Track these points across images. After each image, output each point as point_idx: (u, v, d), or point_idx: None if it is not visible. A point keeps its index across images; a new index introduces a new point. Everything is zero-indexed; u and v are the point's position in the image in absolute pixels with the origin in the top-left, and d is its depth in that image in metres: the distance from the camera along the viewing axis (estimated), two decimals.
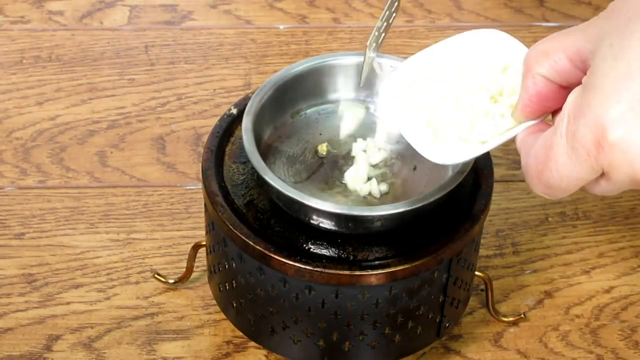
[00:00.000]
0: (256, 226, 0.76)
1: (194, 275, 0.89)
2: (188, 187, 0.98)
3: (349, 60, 0.82)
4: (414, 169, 0.79)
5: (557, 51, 0.66)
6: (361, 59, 0.82)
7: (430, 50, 0.75)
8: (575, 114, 0.63)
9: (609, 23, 0.64)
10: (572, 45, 0.65)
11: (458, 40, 0.74)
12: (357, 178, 0.78)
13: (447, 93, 0.73)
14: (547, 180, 0.66)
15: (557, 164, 0.65)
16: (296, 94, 0.82)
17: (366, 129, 0.82)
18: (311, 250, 0.75)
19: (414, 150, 0.80)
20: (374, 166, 0.79)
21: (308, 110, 0.83)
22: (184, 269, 0.88)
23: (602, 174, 0.64)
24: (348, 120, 0.81)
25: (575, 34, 0.66)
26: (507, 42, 0.74)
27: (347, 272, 0.73)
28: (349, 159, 0.80)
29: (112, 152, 1.01)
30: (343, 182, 0.78)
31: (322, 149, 0.80)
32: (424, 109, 0.73)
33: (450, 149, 0.71)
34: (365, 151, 0.80)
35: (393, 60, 0.81)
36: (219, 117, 0.83)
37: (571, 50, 0.66)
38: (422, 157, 0.79)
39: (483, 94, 0.72)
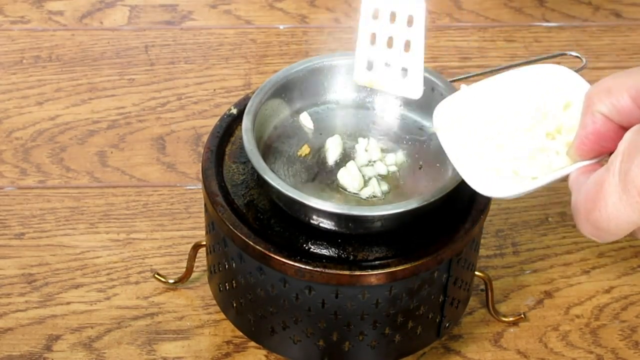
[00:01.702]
0: (256, 226, 0.76)
1: (194, 275, 0.89)
2: (188, 187, 0.98)
3: (349, 60, 0.82)
4: (420, 168, 0.79)
5: (620, 90, 0.63)
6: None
7: (493, 79, 0.74)
8: (630, 151, 0.61)
9: None
10: (637, 84, 0.63)
11: (522, 73, 0.73)
12: (349, 178, 0.78)
13: (504, 125, 0.72)
14: (596, 221, 0.63)
15: (607, 204, 0.62)
16: (296, 94, 0.82)
17: (366, 129, 0.82)
18: (311, 250, 0.75)
19: (417, 150, 0.80)
20: (375, 166, 0.79)
21: (308, 110, 0.83)
22: (184, 269, 0.88)
23: None
24: (332, 149, 0.80)
25: (637, 75, 0.63)
26: (573, 79, 0.72)
27: (347, 272, 0.73)
28: (349, 159, 0.80)
29: (112, 152, 1.01)
30: (338, 182, 0.78)
31: (304, 151, 0.80)
32: (478, 138, 0.72)
33: (501, 182, 0.70)
34: (367, 150, 0.80)
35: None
36: (219, 117, 0.83)
37: (635, 89, 0.63)
38: (425, 156, 0.80)
39: (540, 130, 0.71)
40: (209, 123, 1.02)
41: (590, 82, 0.68)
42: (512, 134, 0.71)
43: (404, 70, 0.78)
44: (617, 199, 0.61)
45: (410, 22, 0.76)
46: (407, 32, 0.77)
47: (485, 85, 0.74)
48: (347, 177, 0.78)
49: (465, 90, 0.74)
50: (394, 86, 0.79)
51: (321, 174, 0.79)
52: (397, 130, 0.82)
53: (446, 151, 0.72)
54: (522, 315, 0.88)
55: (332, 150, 0.79)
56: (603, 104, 0.64)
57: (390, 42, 0.78)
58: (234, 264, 0.78)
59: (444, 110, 0.73)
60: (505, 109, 0.72)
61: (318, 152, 0.80)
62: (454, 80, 0.84)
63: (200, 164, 0.80)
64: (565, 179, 0.68)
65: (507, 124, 0.72)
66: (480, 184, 0.69)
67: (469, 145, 0.72)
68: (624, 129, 0.63)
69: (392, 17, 0.77)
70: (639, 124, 0.62)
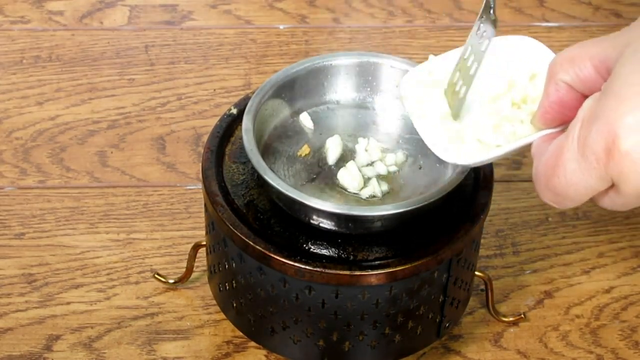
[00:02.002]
0: (256, 226, 0.76)
1: (194, 275, 0.89)
2: (188, 187, 0.98)
3: (349, 60, 0.82)
4: (420, 168, 0.79)
5: (583, 59, 0.64)
6: (361, 59, 0.82)
7: (458, 51, 0.74)
8: (589, 118, 0.61)
9: (636, 31, 0.62)
10: (599, 53, 0.63)
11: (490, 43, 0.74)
12: (349, 178, 0.78)
13: (469, 95, 0.72)
14: (555, 187, 0.64)
15: (566, 170, 0.62)
16: (296, 94, 0.82)
17: (366, 129, 0.82)
18: (311, 250, 0.75)
19: (417, 150, 0.80)
20: (375, 165, 0.79)
21: (308, 110, 0.83)
22: (184, 269, 0.88)
23: (612, 185, 0.62)
24: (332, 149, 0.80)
25: (603, 42, 0.64)
26: (538, 50, 0.72)
27: (347, 272, 0.73)
28: (349, 160, 0.80)
29: (112, 152, 1.01)
30: (338, 182, 0.78)
31: (304, 151, 0.80)
32: (444, 107, 0.72)
33: (465, 149, 0.70)
34: (367, 150, 0.80)
35: (395, 61, 0.81)
36: (219, 117, 0.83)
37: (597, 58, 0.63)
38: (425, 156, 0.80)
39: (506, 99, 0.71)
40: (209, 123, 1.02)
41: None
42: (478, 103, 0.72)
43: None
44: (576, 165, 0.62)
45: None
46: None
47: (453, 56, 0.74)
48: (347, 177, 0.78)
49: (433, 60, 0.74)
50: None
51: (321, 174, 0.79)
52: (397, 130, 0.82)
53: (412, 119, 0.72)
54: (522, 315, 0.88)
55: (332, 150, 0.79)
56: (566, 73, 0.65)
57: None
58: (234, 264, 0.78)
59: (411, 79, 0.74)
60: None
61: (318, 152, 0.80)
62: None
63: (200, 164, 0.80)
64: (528, 148, 0.68)
65: (474, 93, 0.72)
66: (444, 151, 0.70)
67: (434, 114, 0.72)
68: (587, 97, 0.63)
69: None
70: (599, 92, 0.62)
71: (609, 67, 0.63)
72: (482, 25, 0.71)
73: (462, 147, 0.71)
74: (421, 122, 0.72)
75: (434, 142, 0.71)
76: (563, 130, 0.66)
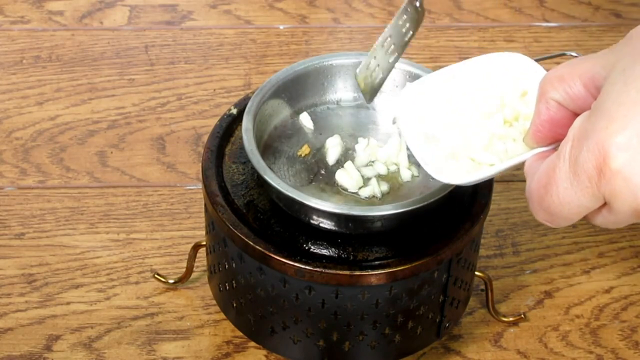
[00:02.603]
0: (256, 226, 0.76)
1: (194, 275, 0.89)
2: (188, 187, 0.98)
3: (349, 60, 0.82)
4: (419, 167, 0.79)
5: (573, 77, 0.64)
6: (361, 59, 0.82)
7: (450, 68, 0.74)
8: (579, 137, 0.61)
9: (625, 49, 0.62)
10: (588, 71, 0.63)
11: (480, 61, 0.73)
12: (347, 178, 0.77)
13: (463, 113, 0.72)
14: (548, 206, 0.64)
15: (559, 188, 0.62)
16: (296, 94, 0.82)
17: (366, 129, 0.82)
18: (311, 250, 0.75)
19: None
20: (375, 165, 0.79)
21: (308, 110, 0.83)
22: (184, 269, 0.88)
23: (605, 204, 0.62)
24: (332, 149, 0.80)
25: (592, 60, 0.64)
26: (530, 67, 0.72)
27: (347, 272, 0.73)
28: (348, 160, 0.80)
29: (112, 152, 1.01)
30: (337, 182, 0.78)
31: (304, 151, 0.80)
32: (437, 125, 0.72)
33: (458, 168, 0.70)
34: (367, 148, 0.80)
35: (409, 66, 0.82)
36: (219, 117, 0.83)
37: (587, 76, 0.63)
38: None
39: (498, 117, 0.71)
40: (209, 123, 1.02)
41: None
42: (471, 122, 0.72)
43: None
44: (568, 184, 0.62)
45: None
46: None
47: (446, 73, 0.74)
48: (345, 177, 0.78)
49: (423, 80, 0.74)
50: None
51: (321, 174, 0.79)
52: (397, 130, 0.82)
53: (405, 139, 0.72)
54: (522, 315, 0.88)
55: (332, 150, 0.79)
56: (556, 91, 0.65)
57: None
58: (234, 264, 0.78)
59: (405, 98, 0.74)
60: (464, 96, 0.73)
61: (318, 152, 0.80)
62: None
63: (200, 164, 0.80)
64: (521, 166, 0.68)
65: (466, 111, 0.72)
66: (438, 171, 0.70)
67: (428, 133, 0.72)
68: (578, 115, 0.63)
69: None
70: (589, 110, 0.62)
71: (598, 85, 0.63)
72: (406, 15, 0.72)
73: (456, 165, 0.71)
74: (414, 142, 0.72)
75: (427, 161, 0.71)
76: (555, 149, 0.66)
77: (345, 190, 0.78)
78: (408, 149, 0.73)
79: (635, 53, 0.61)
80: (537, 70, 0.72)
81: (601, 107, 0.61)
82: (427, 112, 0.73)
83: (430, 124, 0.73)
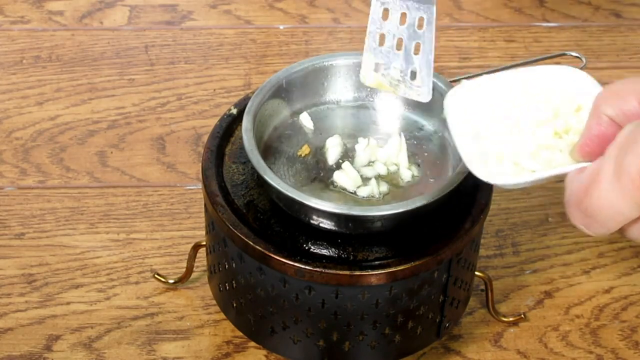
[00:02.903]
0: (256, 226, 0.76)
1: (194, 275, 0.89)
2: (188, 187, 0.98)
3: (349, 60, 0.82)
4: (418, 165, 0.79)
5: (629, 93, 0.63)
6: (361, 59, 0.82)
7: (508, 73, 0.74)
8: (628, 141, 0.61)
9: None
10: None
11: (540, 71, 0.73)
12: (345, 178, 0.77)
13: (513, 119, 0.72)
14: (587, 208, 0.63)
15: (601, 191, 0.62)
16: (296, 94, 0.82)
17: (366, 129, 0.82)
18: (311, 250, 0.75)
19: (416, 150, 0.80)
20: (375, 166, 0.79)
21: (308, 110, 0.83)
22: (184, 269, 0.88)
23: None
24: (332, 149, 0.80)
25: None
26: (588, 83, 0.72)
27: (347, 272, 0.73)
28: (349, 159, 0.80)
29: (112, 152, 1.01)
30: (334, 183, 0.78)
31: (304, 151, 0.80)
32: (486, 128, 0.72)
33: (499, 170, 0.70)
34: (367, 148, 0.80)
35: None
36: (219, 117, 0.83)
37: None
38: (424, 157, 0.80)
39: (549, 128, 0.71)
40: (209, 123, 1.02)
41: None
42: (521, 129, 0.72)
43: (413, 73, 0.77)
44: (610, 187, 0.62)
45: (420, 24, 0.76)
46: (417, 34, 0.76)
47: (503, 77, 0.74)
48: (344, 177, 0.77)
49: (480, 80, 0.74)
50: (403, 89, 0.78)
51: (321, 174, 0.79)
52: (397, 131, 0.82)
53: (452, 134, 0.72)
54: (522, 315, 0.88)
55: (332, 150, 0.79)
56: (610, 107, 0.64)
57: (399, 44, 0.77)
58: (234, 264, 0.78)
59: (456, 96, 0.73)
60: (518, 104, 0.72)
61: (319, 152, 0.80)
62: (453, 80, 0.84)
63: (200, 164, 0.80)
64: (563, 177, 0.68)
65: (518, 118, 0.72)
66: (479, 169, 0.70)
67: (475, 132, 0.72)
68: None
69: (402, 18, 0.77)
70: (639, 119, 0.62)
71: None
72: None
73: (498, 167, 0.70)
74: (461, 140, 0.72)
75: (470, 159, 0.70)
76: None
77: (346, 190, 0.78)
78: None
79: None
80: (595, 87, 0.72)
81: None
82: (478, 112, 0.73)
83: (480, 124, 0.72)
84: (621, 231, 0.64)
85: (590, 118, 0.66)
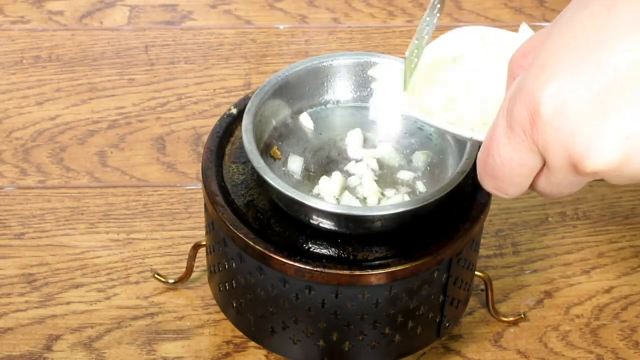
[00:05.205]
0: (256, 226, 0.76)
1: (194, 275, 0.89)
2: (188, 187, 0.98)
3: (349, 60, 0.82)
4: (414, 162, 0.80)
5: (536, 49, 0.63)
6: (361, 59, 0.82)
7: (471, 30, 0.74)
8: (514, 92, 0.60)
9: (571, 4, 0.61)
10: (545, 40, 0.62)
11: (504, 33, 0.74)
12: (329, 188, 0.77)
13: (477, 78, 0.72)
14: (492, 169, 0.62)
15: (499, 146, 0.61)
16: (296, 94, 0.82)
17: (366, 129, 0.82)
18: (311, 250, 0.75)
19: (417, 149, 0.80)
20: (365, 159, 0.79)
21: (308, 110, 0.83)
22: (184, 269, 0.88)
23: (545, 164, 0.60)
24: (353, 141, 0.80)
25: (549, 27, 0.62)
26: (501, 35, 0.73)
27: (347, 272, 0.73)
28: (349, 159, 0.80)
29: (112, 152, 1.01)
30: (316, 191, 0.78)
31: (275, 152, 0.80)
32: (450, 89, 0.72)
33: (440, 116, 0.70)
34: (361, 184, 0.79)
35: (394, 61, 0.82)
36: (219, 117, 0.83)
37: None
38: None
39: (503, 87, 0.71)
40: (209, 123, 1.02)
41: None
42: (482, 88, 0.71)
43: None
44: (506, 140, 0.61)
45: None
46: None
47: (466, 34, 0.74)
48: (327, 186, 0.77)
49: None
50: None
51: (321, 174, 0.79)
52: (397, 131, 0.82)
53: (428, 122, 0.71)
54: (522, 315, 0.88)
55: (353, 144, 0.79)
56: (520, 68, 0.63)
57: None
58: (234, 264, 0.78)
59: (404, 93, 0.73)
60: (481, 62, 0.72)
61: (318, 152, 0.80)
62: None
63: (200, 164, 0.80)
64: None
65: (479, 77, 0.72)
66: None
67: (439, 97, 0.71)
68: None
69: None
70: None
71: None
72: (437, 4, 0.72)
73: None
74: (438, 118, 0.71)
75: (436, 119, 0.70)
76: None
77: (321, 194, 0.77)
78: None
79: (572, 7, 0.60)
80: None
81: (536, 60, 0.59)
82: (438, 74, 0.73)
83: (442, 86, 0.72)
84: (532, 187, 0.63)
85: (508, 83, 0.65)
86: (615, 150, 0.57)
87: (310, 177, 0.79)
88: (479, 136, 0.68)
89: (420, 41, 0.72)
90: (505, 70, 0.66)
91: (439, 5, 0.73)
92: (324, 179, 0.77)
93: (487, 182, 0.64)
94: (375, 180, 0.78)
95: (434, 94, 0.71)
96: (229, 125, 0.82)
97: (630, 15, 0.57)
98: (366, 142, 0.81)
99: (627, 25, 0.57)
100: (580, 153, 0.58)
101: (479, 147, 0.66)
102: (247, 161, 0.80)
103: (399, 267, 0.74)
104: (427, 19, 0.71)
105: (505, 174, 0.62)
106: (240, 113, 0.81)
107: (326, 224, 0.75)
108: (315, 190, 0.77)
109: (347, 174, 0.79)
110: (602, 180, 0.61)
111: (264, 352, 0.85)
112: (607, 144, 0.57)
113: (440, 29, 1.14)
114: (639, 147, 0.57)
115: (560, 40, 0.59)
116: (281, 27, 1.14)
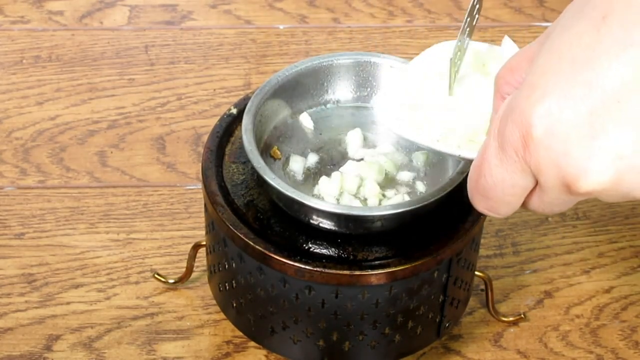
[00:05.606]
0: (256, 226, 0.76)
1: (194, 275, 0.89)
2: (188, 187, 0.98)
3: (349, 60, 0.82)
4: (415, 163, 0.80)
5: (521, 65, 0.62)
6: (361, 59, 0.82)
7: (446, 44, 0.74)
8: (505, 112, 0.60)
9: (558, 21, 0.61)
10: (533, 55, 0.62)
11: (488, 46, 0.74)
12: (328, 188, 0.77)
13: (462, 96, 0.72)
14: (483, 189, 0.62)
15: (490, 167, 0.61)
16: (296, 94, 0.82)
17: (366, 129, 0.82)
18: (311, 250, 0.75)
19: (417, 149, 0.80)
20: (366, 158, 0.79)
21: (308, 110, 0.83)
22: (184, 269, 0.88)
23: (537, 183, 0.61)
24: (353, 141, 0.80)
25: (536, 43, 0.62)
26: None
27: (347, 272, 0.73)
28: (349, 159, 0.80)
29: (112, 152, 1.01)
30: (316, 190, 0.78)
31: (275, 152, 0.80)
32: (435, 108, 0.72)
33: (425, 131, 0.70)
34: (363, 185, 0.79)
35: (394, 61, 0.82)
36: (219, 117, 0.83)
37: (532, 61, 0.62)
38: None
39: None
40: (209, 123, 1.02)
41: None
42: (467, 105, 0.71)
43: None
44: (498, 160, 0.61)
45: None
46: None
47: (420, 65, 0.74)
48: (327, 186, 0.77)
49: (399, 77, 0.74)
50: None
51: (321, 174, 0.79)
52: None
53: (407, 137, 0.72)
54: (522, 315, 0.88)
55: (353, 144, 0.79)
56: (508, 85, 0.63)
57: None
58: (234, 264, 0.78)
59: (385, 104, 0.73)
60: (465, 81, 0.73)
61: (318, 152, 0.80)
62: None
63: (200, 164, 0.80)
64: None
65: (464, 95, 0.72)
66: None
67: (424, 115, 0.72)
68: None
69: None
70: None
71: None
72: (477, 4, 0.72)
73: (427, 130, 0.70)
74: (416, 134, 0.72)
75: (423, 138, 0.70)
76: None
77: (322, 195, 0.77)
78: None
79: (562, 24, 0.60)
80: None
81: (527, 79, 0.59)
82: (422, 90, 0.73)
83: (426, 104, 0.72)
84: (524, 205, 0.63)
85: (495, 99, 0.64)
86: (607, 171, 0.58)
87: (311, 177, 0.79)
88: (467, 153, 0.68)
89: (462, 43, 0.72)
90: (491, 86, 0.66)
91: (477, 6, 0.72)
92: (323, 179, 0.77)
93: (478, 202, 0.64)
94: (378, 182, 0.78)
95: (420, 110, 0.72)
96: (229, 125, 0.82)
97: (619, 34, 0.57)
98: (366, 142, 0.81)
99: (615, 46, 0.57)
100: (573, 174, 0.58)
101: (471, 160, 0.66)
102: (247, 161, 0.80)
103: (399, 267, 0.74)
104: (468, 19, 0.71)
105: (498, 194, 0.62)
106: (240, 113, 0.81)
107: (326, 224, 0.75)
108: (315, 191, 0.77)
109: (347, 174, 0.79)
110: None
111: (264, 352, 0.85)
112: (599, 165, 0.57)
113: (440, 29, 1.14)
114: (631, 166, 0.57)
115: (550, 60, 0.59)
116: (281, 27, 1.14)
